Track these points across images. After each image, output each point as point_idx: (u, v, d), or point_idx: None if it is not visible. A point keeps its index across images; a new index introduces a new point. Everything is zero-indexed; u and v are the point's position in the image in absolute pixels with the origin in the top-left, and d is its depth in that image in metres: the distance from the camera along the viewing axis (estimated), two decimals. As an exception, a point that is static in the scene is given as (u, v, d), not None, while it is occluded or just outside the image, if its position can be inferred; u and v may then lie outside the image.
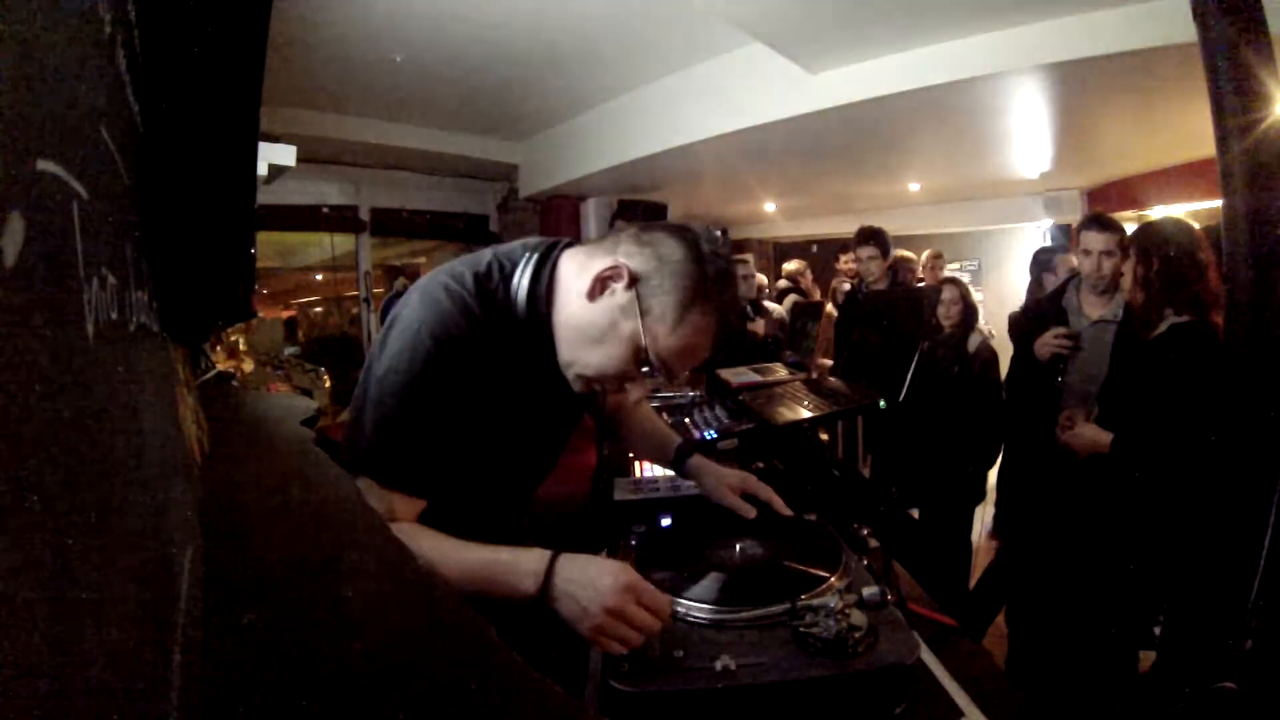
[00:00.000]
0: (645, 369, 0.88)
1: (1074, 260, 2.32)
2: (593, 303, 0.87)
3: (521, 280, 0.91)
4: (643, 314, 0.85)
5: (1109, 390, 2.01)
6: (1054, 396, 2.20)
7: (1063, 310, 2.32)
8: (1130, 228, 2.17)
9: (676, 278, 0.86)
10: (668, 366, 0.88)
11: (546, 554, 0.80)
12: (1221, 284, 1.73)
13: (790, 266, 5.86)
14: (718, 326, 0.89)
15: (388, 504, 0.85)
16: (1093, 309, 2.26)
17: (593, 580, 0.77)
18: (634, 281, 0.86)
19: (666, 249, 0.87)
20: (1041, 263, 3.79)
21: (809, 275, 5.87)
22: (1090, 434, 1.90)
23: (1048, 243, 5.65)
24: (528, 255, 0.94)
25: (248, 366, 3.02)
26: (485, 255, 0.96)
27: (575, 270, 0.91)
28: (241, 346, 3.20)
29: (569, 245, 0.96)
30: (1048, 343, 2.25)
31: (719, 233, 0.93)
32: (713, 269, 0.87)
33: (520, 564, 0.80)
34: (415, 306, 0.88)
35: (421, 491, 0.88)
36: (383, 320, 5.23)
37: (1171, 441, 1.69)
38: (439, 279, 0.91)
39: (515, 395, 0.94)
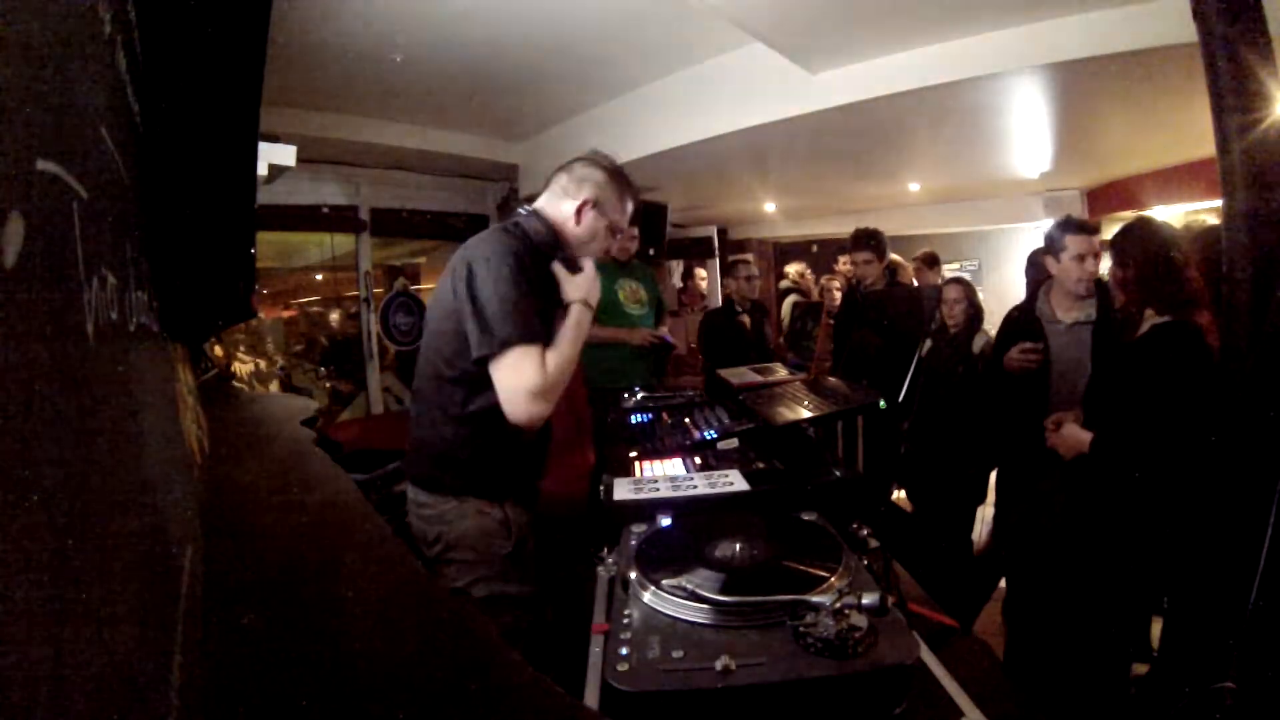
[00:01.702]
0: (618, 233, 1.59)
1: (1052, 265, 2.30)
2: (580, 224, 1.52)
3: (532, 226, 1.51)
4: (607, 214, 1.53)
5: (1092, 392, 2.01)
6: (1038, 404, 2.20)
7: (1036, 319, 2.31)
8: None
9: (609, 188, 1.53)
10: (628, 224, 1.63)
11: (572, 303, 1.45)
12: (1203, 282, 1.73)
13: (791, 269, 5.88)
14: (634, 194, 1.59)
15: (537, 358, 1.31)
16: (1067, 313, 2.25)
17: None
18: (595, 204, 1.51)
19: (596, 175, 1.53)
20: (1037, 265, 3.77)
21: (809, 275, 5.88)
22: (1073, 435, 1.90)
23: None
24: (526, 215, 1.54)
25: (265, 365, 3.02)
26: (502, 225, 1.53)
27: (555, 212, 1.53)
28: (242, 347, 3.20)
29: (533, 203, 1.57)
30: (1014, 358, 2.25)
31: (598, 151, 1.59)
32: (617, 172, 1.55)
33: (583, 313, 1.45)
34: (488, 244, 1.42)
35: (549, 342, 1.36)
36: (383, 320, 5.25)
37: (1153, 440, 1.69)
38: (494, 232, 1.49)
39: (543, 287, 1.45)
